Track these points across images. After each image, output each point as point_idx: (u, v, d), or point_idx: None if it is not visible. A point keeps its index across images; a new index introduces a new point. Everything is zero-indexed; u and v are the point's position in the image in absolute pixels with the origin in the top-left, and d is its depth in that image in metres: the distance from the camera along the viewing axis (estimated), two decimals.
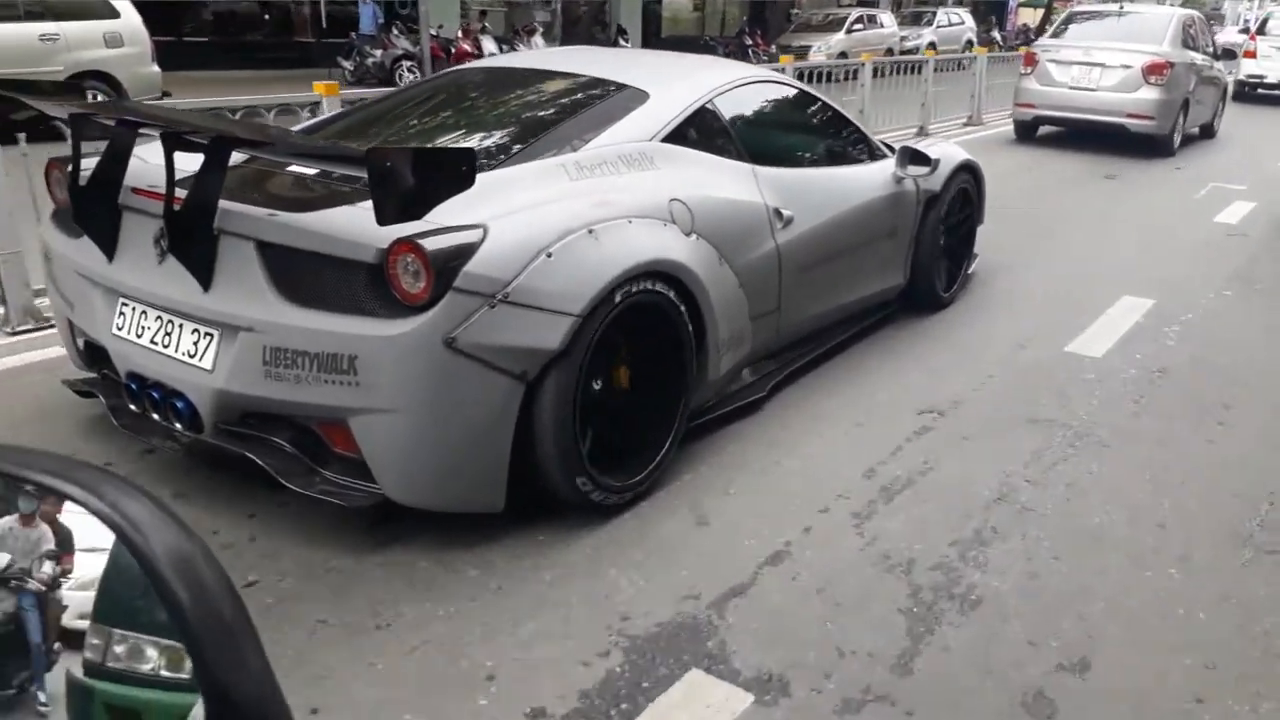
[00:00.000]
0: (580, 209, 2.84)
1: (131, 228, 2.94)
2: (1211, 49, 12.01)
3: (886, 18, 24.99)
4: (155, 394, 2.86)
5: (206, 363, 2.75)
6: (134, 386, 2.92)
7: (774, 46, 22.02)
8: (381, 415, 2.56)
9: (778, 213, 3.58)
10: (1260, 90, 17.07)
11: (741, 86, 3.88)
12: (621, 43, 21.50)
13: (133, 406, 2.99)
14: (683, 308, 3.06)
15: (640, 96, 3.49)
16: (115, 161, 2.90)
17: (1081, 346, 4.58)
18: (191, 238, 2.68)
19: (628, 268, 2.81)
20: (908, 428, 3.65)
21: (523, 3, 23.04)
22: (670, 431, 3.14)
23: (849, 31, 22.63)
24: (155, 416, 2.92)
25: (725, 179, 3.46)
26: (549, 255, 2.66)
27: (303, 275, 2.61)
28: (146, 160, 2.94)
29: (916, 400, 3.88)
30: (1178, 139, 10.79)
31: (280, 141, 2.86)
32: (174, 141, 2.67)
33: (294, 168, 3.07)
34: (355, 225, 2.56)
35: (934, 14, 27.40)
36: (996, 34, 30.29)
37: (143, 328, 2.92)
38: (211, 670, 0.73)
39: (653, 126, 3.40)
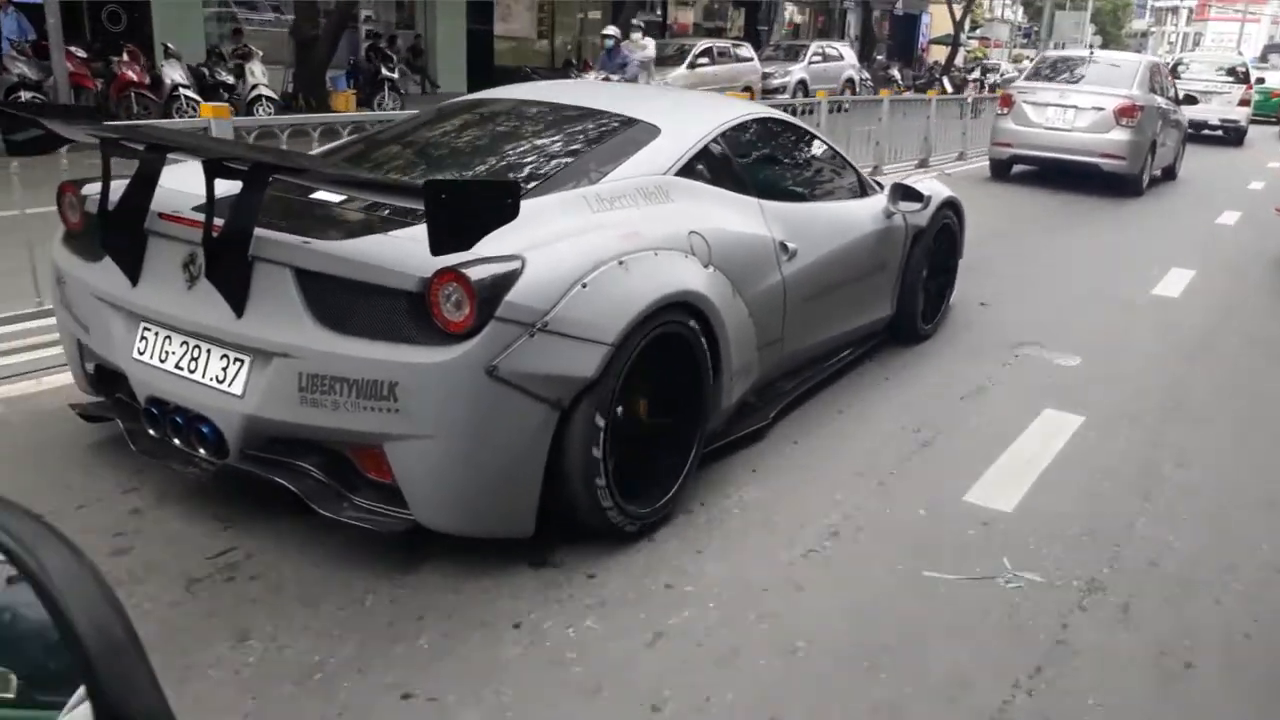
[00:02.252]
0: (609, 241, 2.91)
1: (157, 252, 2.94)
2: (1173, 94, 12.55)
3: (746, 50, 21.37)
4: (178, 419, 2.86)
5: (236, 388, 2.75)
6: (154, 411, 2.92)
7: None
8: (419, 441, 2.59)
9: (783, 246, 3.68)
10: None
11: (745, 122, 3.99)
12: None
13: (151, 431, 2.98)
14: (703, 338, 3.14)
15: (652, 130, 3.58)
16: (143, 186, 2.90)
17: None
18: (227, 263, 2.70)
19: (656, 299, 2.88)
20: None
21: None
22: (687, 459, 3.20)
23: (692, 67, 18.87)
24: (176, 442, 2.91)
25: (735, 213, 3.56)
26: (584, 286, 2.72)
27: (341, 302, 2.64)
28: (167, 186, 2.94)
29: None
30: (1146, 179, 11.21)
31: (326, 172, 2.89)
32: (215, 168, 2.68)
33: (317, 195, 3.10)
34: (396, 254, 2.60)
35: (805, 48, 23.78)
36: (896, 73, 27.62)
37: (167, 352, 2.91)
38: (104, 688, 0.76)
39: (666, 160, 3.48)
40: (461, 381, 2.54)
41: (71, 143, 3.36)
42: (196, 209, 2.97)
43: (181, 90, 11.88)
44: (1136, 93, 10.92)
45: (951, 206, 5.10)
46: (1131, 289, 6.80)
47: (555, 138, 3.61)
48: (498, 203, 2.40)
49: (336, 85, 15.34)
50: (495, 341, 2.54)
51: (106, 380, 3.33)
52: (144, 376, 2.95)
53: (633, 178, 3.33)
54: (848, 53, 24.87)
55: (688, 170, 3.54)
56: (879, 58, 30.48)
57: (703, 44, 20.42)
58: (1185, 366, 5.18)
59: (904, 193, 4.43)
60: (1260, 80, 23.91)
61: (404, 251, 2.61)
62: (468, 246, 2.41)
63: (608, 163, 3.38)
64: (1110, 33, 59.72)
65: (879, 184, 4.69)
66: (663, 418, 3.15)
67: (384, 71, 15.26)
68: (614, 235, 2.95)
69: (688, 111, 3.95)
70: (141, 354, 2.97)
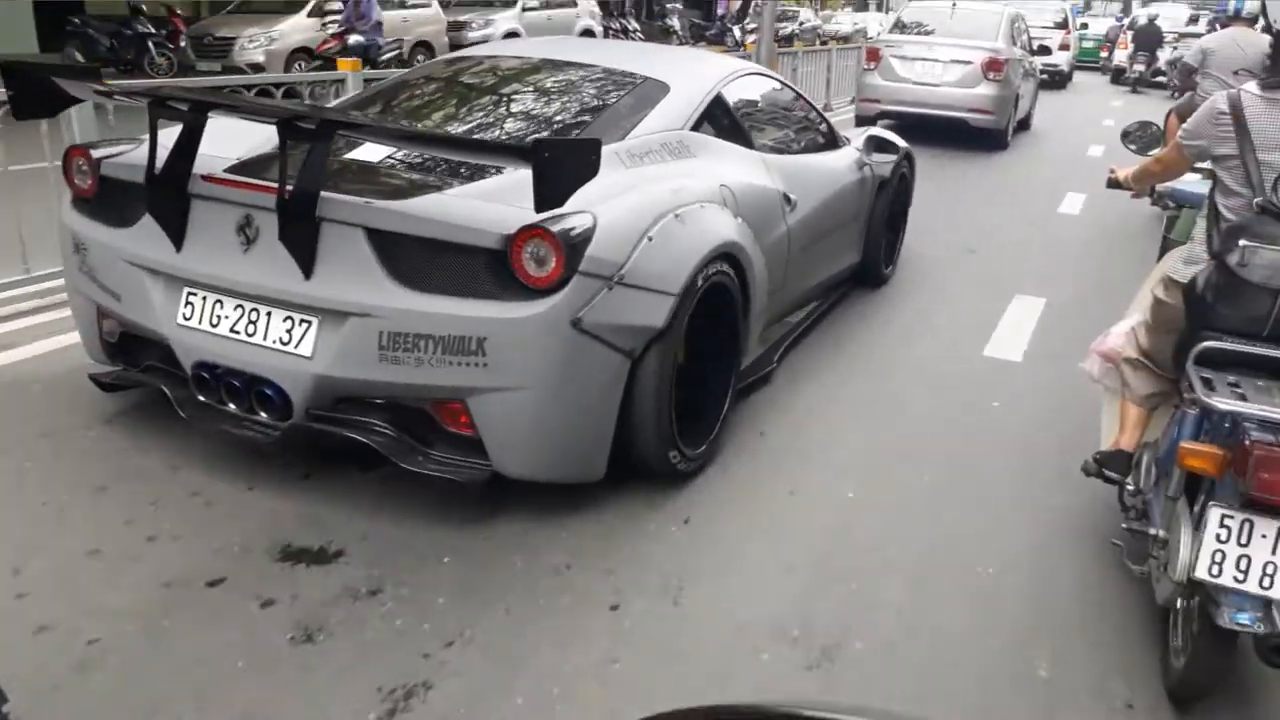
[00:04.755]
0: (662, 195, 3.01)
1: (204, 216, 2.88)
2: (1029, 46, 13.08)
3: None
4: (235, 383, 2.83)
5: (305, 349, 2.75)
6: (206, 376, 2.88)
7: (183, 40, 13.54)
8: (506, 394, 2.66)
9: (786, 197, 3.85)
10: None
11: (740, 78, 4.12)
12: None
13: (201, 397, 2.94)
14: (740, 286, 3.28)
15: (662, 87, 3.67)
16: (187, 148, 2.83)
17: None
18: (298, 225, 2.68)
19: (710, 249, 3.02)
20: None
21: None
22: (725, 401, 3.37)
23: (321, 14, 13.77)
24: (231, 406, 2.89)
25: (747, 166, 3.70)
26: (650, 239, 2.83)
27: (418, 261, 2.67)
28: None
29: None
30: (1010, 131, 11.62)
31: (425, 132, 2.90)
32: (289, 129, 2.65)
33: (354, 154, 3.09)
34: (475, 212, 2.65)
35: None
36: (676, 22, 23.66)
37: (219, 317, 2.87)
38: None
39: (681, 116, 3.59)
40: (550, 334, 2.62)
41: (79, 102, 3.22)
42: (231, 170, 2.94)
43: None
44: (1001, 46, 11.13)
45: (908, 158, 5.37)
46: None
47: (571, 95, 3.66)
48: (586, 160, 2.47)
49: None
50: (580, 295, 2.63)
51: (130, 349, 3.24)
52: (192, 341, 2.90)
53: (655, 133, 3.42)
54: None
55: (699, 126, 3.65)
56: (671, 5, 26.56)
57: None
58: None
59: (878, 144, 4.65)
60: (1084, 27, 25.26)
61: (482, 210, 2.66)
62: (562, 203, 2.48)
63: (628, 119, 3.46)
64: None
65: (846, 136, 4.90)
66: (701, 363, 3.29)
67: None
68: (664, 189, 3.06)
69: (687, 67, 4.05)
70: (188, 319, 2.91)
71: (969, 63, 10.91)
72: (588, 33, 18.54)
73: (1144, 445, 2.82)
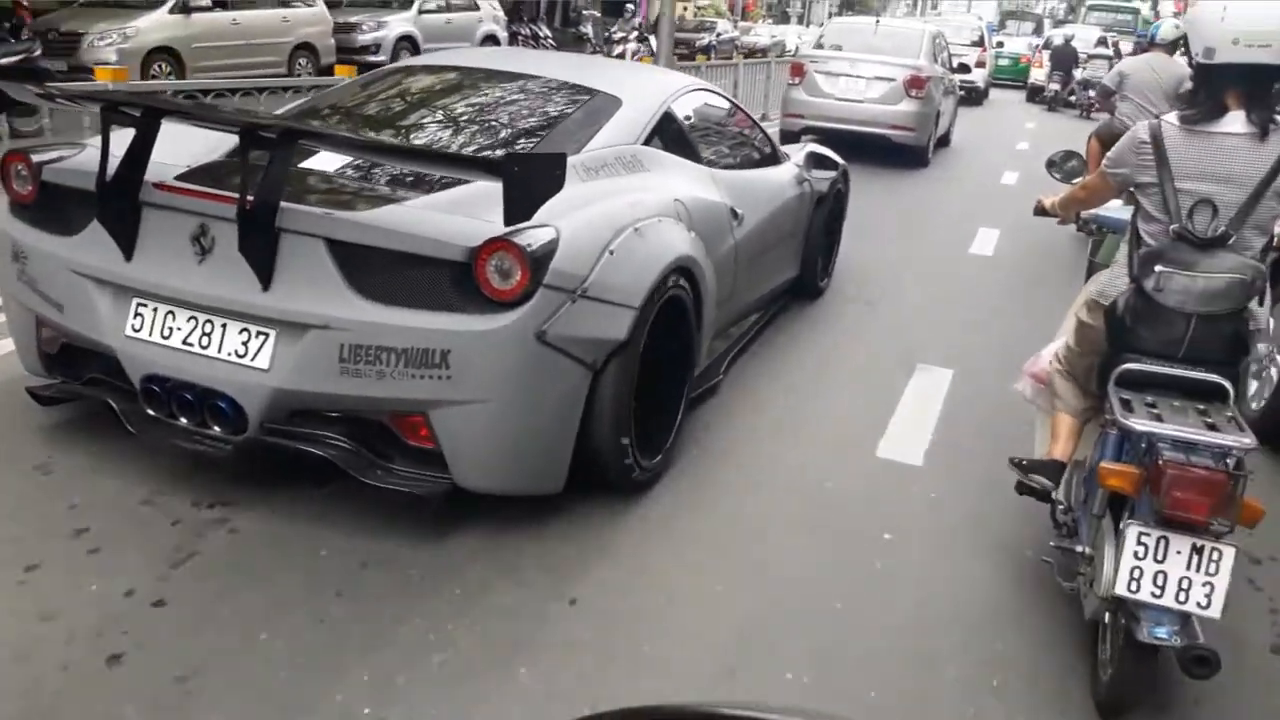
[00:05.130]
0: (621, 209, 3.05)
1: (156, 225, 2.83)
2: (950, 64, 13.40)
3: None
4: (187, 395, 2.78)
5: (261, 362, 2.72)
6: (156, 389, 2.82)
7: (25, 34, 11.16)
8: (469, 406, 2.66)
9: (733, 212, 3.92)
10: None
11: (687, 94, 4.18)
12: None
13: (150, 411, 2.88)
14: (694, 298, 3.34)
15: (614, 101, 3.71)
16: (139, 155, 2.78)
17: None
18: (256, 235, 2.65)
19: (668, 263, 3.07)
20: None
21: None
22: (678, 413, 3.42)
23: (185, 10, 12.17)
24: (183, 420, 2.83)
25: (697, 181, 3.76)
26: (611, 252, 2.86)
27: (380, 273, 2.66)
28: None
29: None
30: (931, 148, 11.85)
31: (384, 142, 2.88)
32: (249, 137, 2.62)
33: (308, 164, 3.06)
34: (439, 225, 2.65)
35: None
36: (589, 29, 22.60)
37: (170, 328, 2.82)
38: None
39: (633, 130, 3.63)
40: (515, 347, 2.64)
41: (20, 104, 3.12)
42: (183, 177, 2.89)
43: None
44: (923, 63, 11.30)
45: (844, 174, 5.51)
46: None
47: (524, 107, 3.67)
48: (552, 174, 2.50)
49: None
50: (544, 307, 2.65)
51: (71, 361, 3.15)
52: (140, 354, 2.84)
53: (609, 147, 3.46)
54: (485, 2, 18.22)
55: (650, 140, 3.70)
56: (588, 13, 25.42)
57: None
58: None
59: (818, 160, 4.77)
60: (1000, 45, 26.09)
61: (446, 222, 2.67)
62: (530, 217, 2.49)
63: (581, 132, 3.49)
64: None
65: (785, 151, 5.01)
66: (656, 375, 3.33)
67: None
68: (622, 203, 3.10)
69: (638, 81, 4.10)
70: (137, 331, 2.85)
71: (892, 80, 11.03)
72: (491, 38, 17.65)
73: (1074, 464, 2.90)
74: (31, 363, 3.22)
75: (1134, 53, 12.81)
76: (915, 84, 11.02)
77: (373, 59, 14.11)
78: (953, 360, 4.73)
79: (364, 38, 15.13)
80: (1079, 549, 2.55)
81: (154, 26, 11.88)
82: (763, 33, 34.07)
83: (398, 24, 15.73)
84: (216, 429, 2.80)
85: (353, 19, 15.27)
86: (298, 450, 2.77)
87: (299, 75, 13.07)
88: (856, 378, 4.52)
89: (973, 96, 19.98)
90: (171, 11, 12.11)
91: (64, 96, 3.11)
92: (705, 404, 3.88)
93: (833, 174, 4.79)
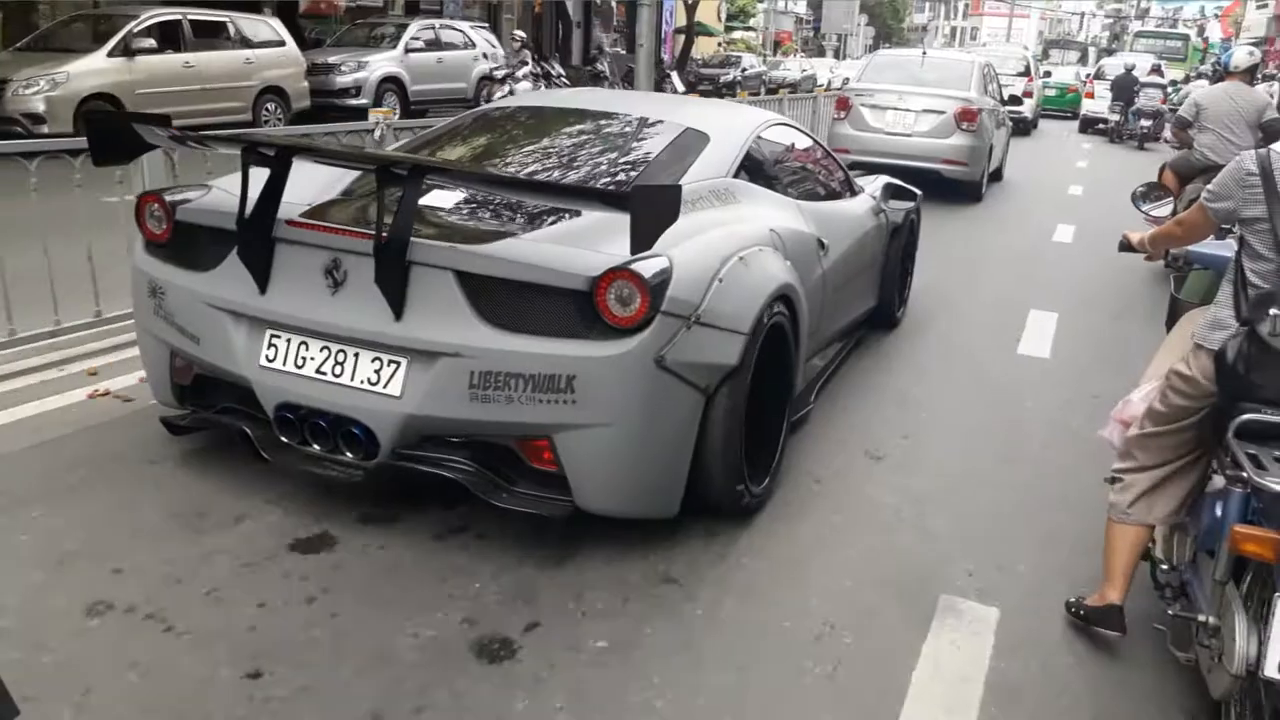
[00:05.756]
0: (725, 239, 3.16)
1: (289, 259, 2.98)
2: (1000, 95, 13.11)
3: (273, 26, 13.24)
4: (321, 423, 2.91)
5: (394, 389, 2.84)
6: (289, 417, 2.96)
7: None
8: (592, 430, 2.77)
9: (820, 243, 4.02)
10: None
11: (769, 127, 4.30)
12: None
13: (283, 438, 3.01)
14: (793, 325, 3.44)
15: (703, 137, 3.83)
16: (273, 194, 2.94)
17: None
18: (391, 268, 2.79)
19: (772, 290, 3.17)
20: None
21: None
22: (780, 438, 3.50)
23: (126, 54, 11.15)
24: (315, 446, 2.96)
25: (786, 212, 3.87)
26: (720, 280, 2.97)
27: (506, 302, 2.78)
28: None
29: None
30: (985, 183, 11.52)
31: (520, 179, 3.07)
32: (386, 176, 2.77)
33: (425, 201, 3.20)
34: (561, 256, 2.77)
35: (402, 28, 15.92)
36: (606, 67, 20.47)
37: (304, 358, 2.96)
38: None
39: (723, 164, 3.75)
40: (637, 371, 2.74)
41: (153, 148, 3.31)
42: (310, 214, 3.05)
43: None
44: (974, 95, 11.09)
45: (916, 205, 5.59)
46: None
47: (626, 144, 3.80)
48: (671, 204, 2.61)
49: None
50: (662, 334, 2.76)
51: (203, 391, 3.31)
52: (275, 383, 2.98)
53: (703, 180, 3.58)
54: (481, 40, 17.15)
55: (738, 174, 3.81)
56: (610, 50, 24.81)
57: (169, 13, 11.75)
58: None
59: (895, 191, 4.86)
60: (1048, 74, 25.86)
61: (567, 254, 2.79)
62: (652, 246, 2.60)
63: (677, 166, 3.62)
64: (891, 26, 58.13)
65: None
66: (760, 401, 3.42)
67: None
68: (726, 234, 3.21)
69: (723, 117, 4.22)
70: (271, 361, 2.99)
71: (942, 112, 10.79)
72: (488, 78, 16.17)
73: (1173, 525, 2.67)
74: (164, 394, 3.38)
75: (1214, 80, 12.56)
76: (967, 116, 10.78)
77: (354, 103, 13.47)
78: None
79: (343, 79, 14.18)
80: (1200, 618, 2.31)
81: (88, 72, 10.81)
82: (792, 66, 33.57)
83: (380, 64, 14.71)
84: (349, 455, 2.93)
85: (331, 59, 14.37)
86: (429, 474, 2.88)
87: (266, 122, 12.38)
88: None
89: (1020, 127, 19.91)
90: (111, 54, 11.04)
91: (194, 140, 3.30)
92: (798, 432, 3.97)
93: (909, 204, 4.88)
